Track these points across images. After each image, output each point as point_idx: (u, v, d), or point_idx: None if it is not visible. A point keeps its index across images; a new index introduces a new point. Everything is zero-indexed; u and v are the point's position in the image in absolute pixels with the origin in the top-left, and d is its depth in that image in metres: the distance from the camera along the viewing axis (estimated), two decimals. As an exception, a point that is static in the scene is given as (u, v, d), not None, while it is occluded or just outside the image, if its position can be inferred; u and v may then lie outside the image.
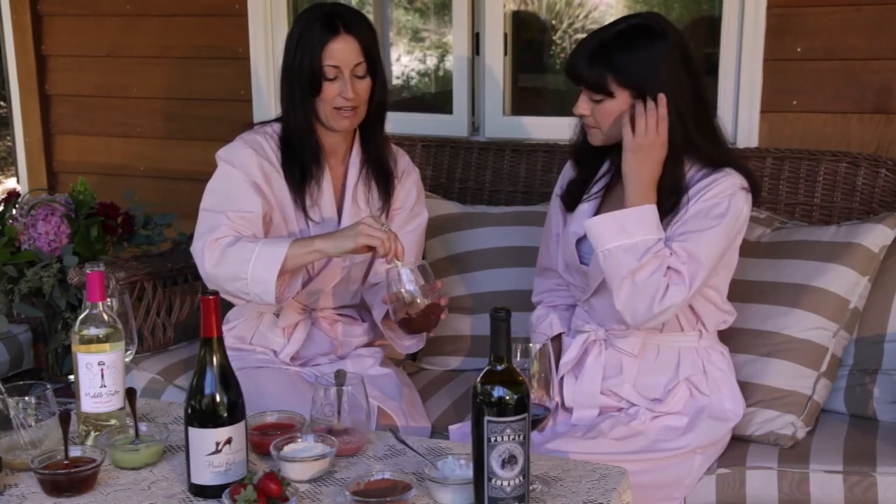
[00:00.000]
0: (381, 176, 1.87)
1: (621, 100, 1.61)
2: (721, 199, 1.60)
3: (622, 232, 1.58)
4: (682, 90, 1.59)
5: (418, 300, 1.60)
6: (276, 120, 1.87)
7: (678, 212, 1.62)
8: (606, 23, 1.71)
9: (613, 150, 1.71)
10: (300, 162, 1.80)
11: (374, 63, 1.78)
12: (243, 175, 1.76)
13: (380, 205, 1.88)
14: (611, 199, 1.72)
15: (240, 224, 1.73)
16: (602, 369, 1.71)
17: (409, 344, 1.85)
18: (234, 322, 1.93)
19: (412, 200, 1.93)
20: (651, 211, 1.59)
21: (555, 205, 1.83)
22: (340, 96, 1.74)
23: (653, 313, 1.58)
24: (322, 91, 1.74)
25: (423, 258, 2.07)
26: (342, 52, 1.73)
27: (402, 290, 1.61)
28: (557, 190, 1.83)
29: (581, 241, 1.73)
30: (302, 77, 1.75)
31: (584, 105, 1.65)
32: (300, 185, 1.80)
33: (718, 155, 1.63)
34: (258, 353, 1.90)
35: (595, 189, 1.74)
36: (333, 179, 1.86)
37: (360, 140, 1.87)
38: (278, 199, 1.81)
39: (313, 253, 1.68)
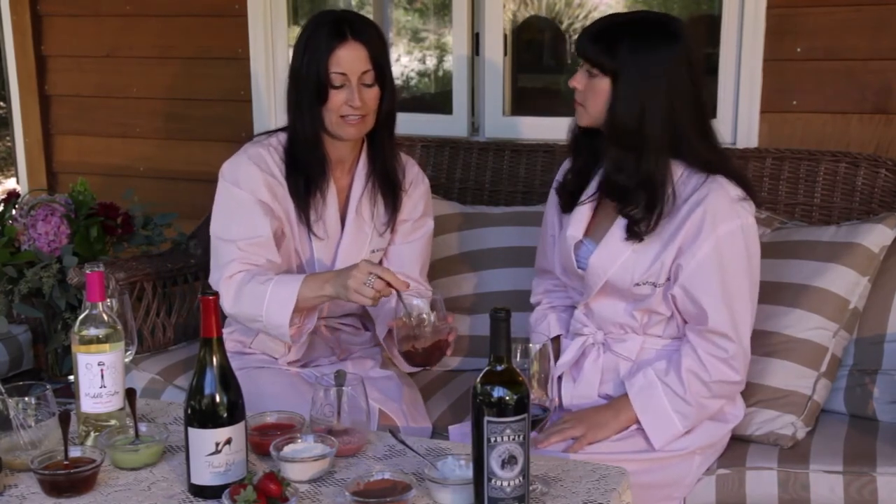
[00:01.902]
0: (387, 188, 1.83)
1: (607, 83, 1.59)
2: (732, 231, 1.58)
3: (669, 423, 1.62)
4: (681, 93, 1.58)
5: (427, 334, 1.57)
6: (282, 129, 1.83)
7: (668, 212, 1.60)
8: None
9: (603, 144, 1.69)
10: (305, 173, 1.76)
11: (383, 71, 1.74)
12: (250, 196, 1.74)
13: (385, 219, 1.84)
14: (605, 202, 1.71)
15: (251, 252, 1.72)
16: (600, 373, 1.71)
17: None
18: (235, 326, 1.91)
19: (419, 212, 1.89)
20: (631, 413, 1.64)
21: (551, 205, 1.82)
22: (347, 105, 1.70)
23: (721, 392, 1.64)
24: (328, 99, 1.70)
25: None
26: (349, 59, 1.69)
27: (412, 322, 1.57)
28: (555, 183, 1.81)
29: (579, 245, 1.72)
30: (309, 84, 1.71)
31: (579, 77, 1.63)
32: (304, 199, 1.77)
33: (712, 158, 1.62)
34: (257, 356, 1.89)
35: (590, 191, 1.72)
36: (338, 192, 1.83)
37: (367, 150, 1.83)
38: (286, 212, 1.78)
39: (323, 297, 1.67)
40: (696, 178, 1.61)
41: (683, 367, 1.62)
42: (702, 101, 1.64)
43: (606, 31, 1.60)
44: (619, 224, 1.64)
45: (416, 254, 1.87)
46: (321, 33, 1.71)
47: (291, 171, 1.77)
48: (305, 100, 1.73)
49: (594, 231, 1.71)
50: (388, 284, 1.58)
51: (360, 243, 1.82)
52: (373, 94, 1.73)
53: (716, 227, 1.57)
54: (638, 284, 1.64)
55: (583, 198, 1.72)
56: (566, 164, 1.80)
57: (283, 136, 1.81)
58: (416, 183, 1.90)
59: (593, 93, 1.60)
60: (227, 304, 1.71)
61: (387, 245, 1.87)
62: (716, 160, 1.63)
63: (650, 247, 1.62)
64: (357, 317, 1.95)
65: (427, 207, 1.92)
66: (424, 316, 1.57)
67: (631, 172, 1.59)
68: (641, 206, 1.59)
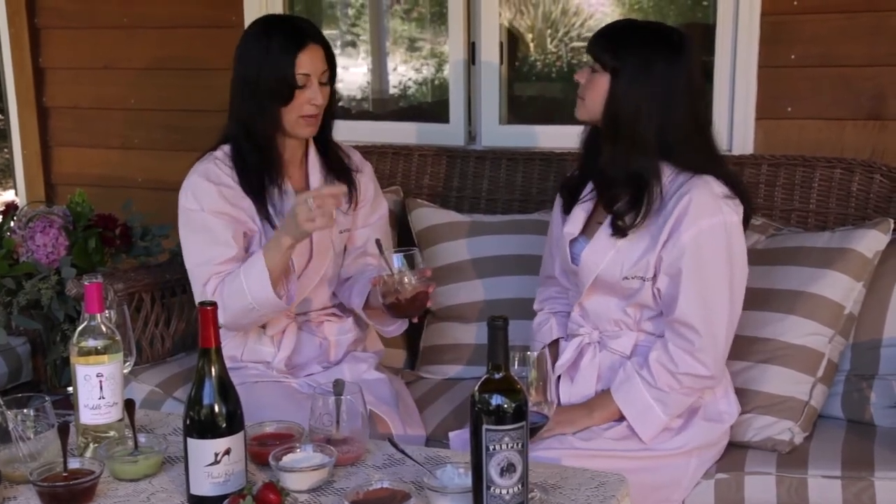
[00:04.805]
0: (342, 176, 1.93)
1: (607, 79, 1.66)
2: (714, 225, 1.61)
3: (651, 412, 1.65)
4: (678, 103, 1.63)
5: (407, 286, 1.65)
6: (220, 143, 1.89)
7: (656, 207, 1.64)
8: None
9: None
10: (257, 174, 1.84)
11: (335, 71, 1.86)
12: (211, 213, 1.80)
13: (346, 199, 1.92)
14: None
15: (226, 267, 1.79)
16: (597, 370, 1.74)
17: (391, 329, 1.91)
18: (224, 342, 1.90)
19: (371, 193, 1.99)
20: (614, 406, 1.68)
21: (556, 209, 1.86)
22: (309, 103, 1.79)
23: (690, 384, 1.65)
24: (293, 99, 1.79)
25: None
26: (312, 60, 1.79)
27: (394, 276, 1.65)
28: (560, 184, 1.86)
29: (574, 242, 1.76)
30: (270, 86, 1.78)
31: (583, 72, 1.71)
32: (260, 197, 1.83)
33: (703, 162, 1.67)
34: (251, 370, 1.91)
35: (587, 190, 1.77)
36: (294, 186, 1.89)
37: (315, 146, 1.93)
38: (248, 214, 1.84)
39: (286, 250, 1.73)
40: (683, 176, 1.66)
41: (652, 358, 1.66)
42: (700, 114, 1.69)
43: (614, 31, 1.70)
44: (609, 221, 1.69)
45: (377, 234, 1.95)
46: (278, 39, 1.79)
47: (243, 174, 1.84)
48: (264, 103, 1.79)
49: (590, 230, 1.75)
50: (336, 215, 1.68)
51: (328, 228, 1.88)
52: (327, 91, 1.84)
53: (697, 220, 1.61)
54: (627, 278, 1.67)
55: (581, 197, 1.77)
56: (573, 170, 1.87)
57: (226, 148, 1.87)
58: (362, 165, 2.02)
59: (593, 87, 1.67)
60: (220, 318, 1.73)
61: (350, 227, 1.96)
62: (706, 163, 1.67)
63: (639, 242, 1.66)
64: (338, 306, 1.99)
65: (377, 188, 2.03)
66: (404, 270, 1.65)
67: (621, 166, 1.65)
68: (626, 201, 1.65)
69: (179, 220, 1.85)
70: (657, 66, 1.62)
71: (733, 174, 1.72)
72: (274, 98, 1.78)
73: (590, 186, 1.77)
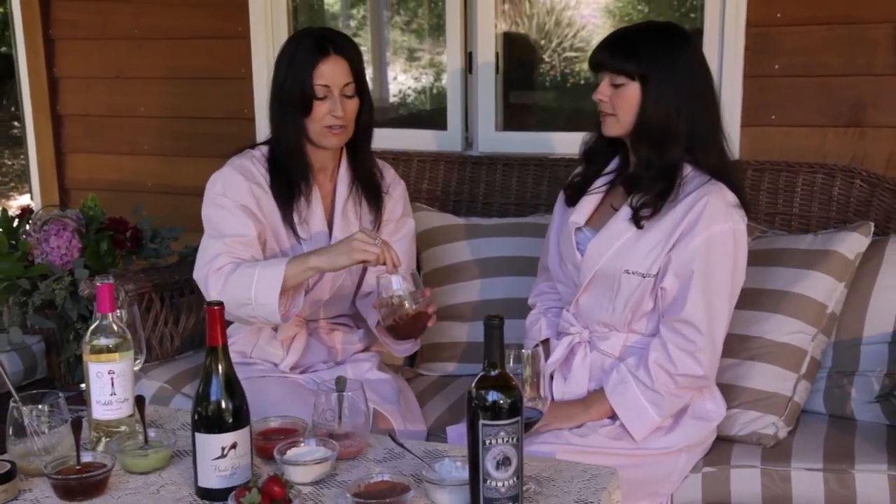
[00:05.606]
0: (370, 191, 1.92)
1: (636, 88, 1.65)
2: (725, 232, 1.64)
3: (644, 414, 1.67)
4: (701, 93, 1.66)
5: (407, 307, 1.64)
6: (263, 143, 1.92)
7: (672, 201, 1.66)
8: (596, 40, 1.77)
9: (622, 148, 1.76)
10: (288, 180, 1.85)
11: (362, 84, 1.85)
12: (234, 202, 1.81)
13: (371, 218, 1.93)
14: (613, 193, 1.77)
15: (237, 248, 1.78)
16: (588, 371, 1.76)
17: (403, 348, 1.90)
18: (234, 337, 1.95)
19: (399, 212, 1.98)
20: (609, 404, 1.70)
21: (559, 202, 1.87)
22: (331, 115, 1.79)
23: (686, 384, 1.68)
24: (312, 110, 1.79)
25: (419, 267, 2.11)
26: (333, 72, 1.79)
27: (392, 298, 1.64)
28: (564, 186, 1.87)
29: (578, 232, 1.77)
30: (293, 97, 1.79)
31: (604, 90, 1.67)
32: (288, 203, 1.84)
33: (719, 164, 1.68)
34: (258, 366, 1.93)
35: (599, 183, 1.78)
36: (322, 196, 1.91)
37: (347, 157, 1.93)
38: (269, 220, 1.85)
39: (309, 270, 1.72)
40: (699, 178, 1.67)
41: (651, 360, 1.67)
42: (717, 102, 1.71)
43: (624, 40, 1.66)
44: (623, 213, 1.69)
45: (401, 252, 1.92)
46: (305, 49, 1.79)
47: (275, 177, 1.85)
48: (289, 111, 1.81)
49: (596, 222, 1.76)
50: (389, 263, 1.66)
51: (367, 264, 1.86)
52: (353, 105, 1.83)
53: (710, 225, 1.63)
54: (628, 272, 1.68)
55: (591, 188, 1.77)
56: (577, 170, 1.86)
57: (265, 149, 1.90)
58: (394, 184, 1.99)
59: (623, 101, 1.65)
60: (213, 293, 1.73)
61: None
62: (722, 168, 1.69)
63: (647, 238, 1.67)
64: (350, 316, 2.01)
65: (406, 208, 2.01)
66: (402, 292, 1.64)
67: (656, 167, 1.66)
68: (653, 194, 1.65)
69: (204, 201, 1.84)
70: (680, 60, 1.62)
71: (740, 181, 1.74)
72: (295, 108, 1.79)
73: (599, 181, 1.77)
